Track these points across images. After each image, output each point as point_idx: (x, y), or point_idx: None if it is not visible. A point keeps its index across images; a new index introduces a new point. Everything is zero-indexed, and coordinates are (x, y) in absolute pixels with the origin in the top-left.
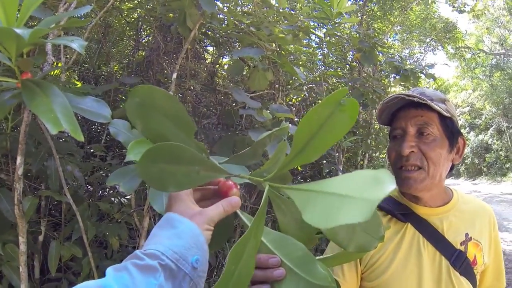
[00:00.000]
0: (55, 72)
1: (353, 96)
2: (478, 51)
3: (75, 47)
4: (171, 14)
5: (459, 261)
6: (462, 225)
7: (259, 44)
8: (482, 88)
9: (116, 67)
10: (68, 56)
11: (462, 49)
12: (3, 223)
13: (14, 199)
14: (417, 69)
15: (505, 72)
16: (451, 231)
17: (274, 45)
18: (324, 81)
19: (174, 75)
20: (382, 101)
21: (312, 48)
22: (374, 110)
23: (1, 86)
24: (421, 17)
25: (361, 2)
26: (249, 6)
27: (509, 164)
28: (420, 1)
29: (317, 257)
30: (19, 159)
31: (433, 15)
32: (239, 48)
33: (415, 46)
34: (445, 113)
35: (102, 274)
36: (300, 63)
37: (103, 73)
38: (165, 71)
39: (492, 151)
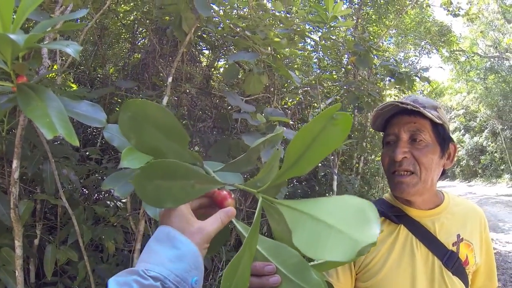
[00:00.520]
0: (51, 75)
1: (348, 99)
2: (473, 54)
3: (69, 52)
4: (167, 17)
5: (451, 261)
6: (453, 226)
7: (254, 48)
8: (477, 90)
9: (111, 70)
10: (64, 58)
11: (457, 52)
12: None
13: (10, 203)
14: (411, 72)
15: (499, 75)
16: (443, 232)
17: (269, 48)
18: (319, 84)
19: (170, 79)
20: (376, 108)
21: (308, 52)
22: (369, 113)
23: None
24: (416, 20)
25: (356, 6)
26: (245, 9)
27: (504, 165)
28: (415, 5)
29: (311, 263)
30: (15, 163)
31: (427, 19)
32: (235, 51)
33: (410, 49)
34: (437, 120)
35: (97, 278)
36: (296, 66)
37: (99, 75)
38: (161, 74)
39: (487, 153)
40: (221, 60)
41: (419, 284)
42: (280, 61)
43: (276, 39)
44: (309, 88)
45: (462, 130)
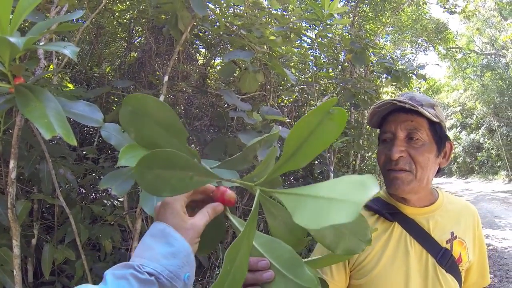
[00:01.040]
0: (47, 75)
1: (344, 97)
2: (469, 52)
3: (67, 53)
4: (163, 16)
5: (445, 258)
6: (447, 224)
7: (250, 47)
8: (473, 88)
9: (108, 69)
10: (60, 58)
11: (453, 50)
12: None
13: (7, 203)
14: (408, 69)
15: (495, 72)
16: (437, 230)
17: (265, 47)
18: (316, 82)
19: (166, 78)
20: (373, 105)
21: (304, 49)
22: (366, 111)
23: None
24: (412, 18)
25: (353, 3)
26: (241, 7)
27: (500, 162)
28: (412, 2)
29: (305, 260)
30: (12, 163)
31: (424, 16)
32: (231, 49)
33: (407, 46)
34: (434, 119)
35: (95, 277)
36: (292, 64)
37: (95, 74)
38: (158, 73)
39: (484, 150)
40: (217, 58)
41: (413, 281)
42: (276, 59)
43: (272, 37)
44: (305, 86)
45: (459, 127)
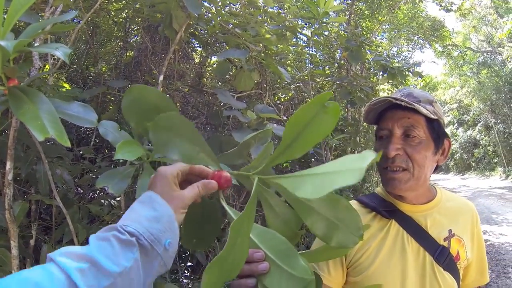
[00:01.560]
0: (43, 76)
1: (340, 94)
2: (466, 49)
3: (59, 55)
4: (158, 15)
5: (443, 256)
6: (445, 222)
7: (245, 45)
8: (470, 85)
9: (104, 68)
10: (55, 58)
11: (450, 47)
12: None
13: (5, 204)
14: (404, 67)
15: (492, 69)
16: (434, 227)
17: (261, 45)
18: (312, 80)
19: (161, 77)
20: (369, 102)
21: (300, 47)
22: (362, 108)
23: None
24: (408, 15)
25: (349, 1)
26: (236, 6)
27: (497, 159)
28: (408, 0)
29: (300, 252)
30: (8, 165)
31: (420, 14)
32: (227, 48)
33: (403, 44)
34: (432, 116)
35: None
36: (288, 62)
37: (91, 74)
38: (154, 72)
39: (480, 147)
40: (213, 56)
41: (410, 279)
42: (271, 58)
43: (267, 36)
44: (301, 84)
45: (456, 124)
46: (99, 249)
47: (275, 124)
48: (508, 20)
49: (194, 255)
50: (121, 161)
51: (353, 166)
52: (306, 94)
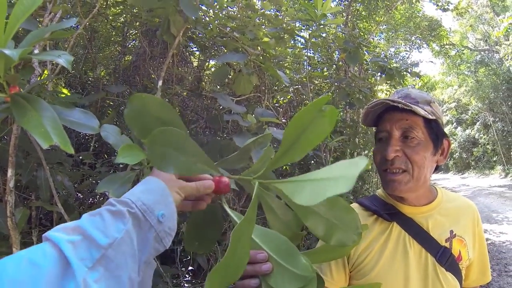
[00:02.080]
0: (42, 82)
1: (339, 96)
2: (463, 48)
3: (61, 62)
4: (156, 19)
5: (445, 257)
6: (446, 222)
7: (243, 49)
8: (468, 84)
9: (103, 73)
10: (54, 64)
11: (447, 46)
12: None
13: (7, 211)
14: (402, 68)
15: (489, 68)
16: (436, 228)
17: (259, 48)
18: (310, 82)
19: (160, 83)
20: (367, 105)
21: (298, 49)
22: (361, 109)
23: None
24: (405, 16)
25: (346, 2)
26: (234, 8)
27: (496, 157)
28: (405, 1)
29: (301, 252)
30: (10, 172)
31: (417, 14)
32: (225, 51)
33: (401, 44)
34: (430, 116)
35: None
36: (286, 65)
37: (90, 79)
38: (152, 76)
39: (479, 145)
40: (212, 60)
41: (413, 281)
42: (269, 61)
43: (266, 39)
44: (300, 86)
45: (454, 123)
46: (91, 222)
47: (274, 128)
48: (504, 18)
49: (195, 259)
50: (121, 166)
51: (346, 173)
52: (304, 96)
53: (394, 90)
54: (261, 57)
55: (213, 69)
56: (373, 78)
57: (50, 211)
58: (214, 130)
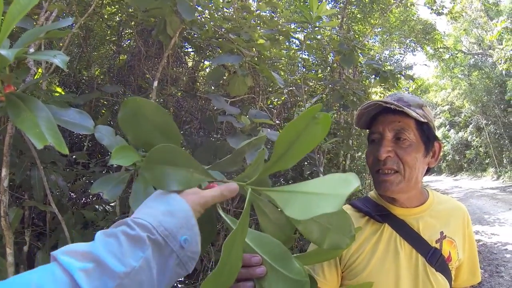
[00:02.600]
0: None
1: (333, 98)
2: (457, 52)
3: (57, 62)
4: (152, 19)
5: (435, 258)
6: (437, 224)
7: (238, 50)
8: (461, 87)
9: (97, 72)
10: (49, 62)
11: (441, 50)
12: None
13: (0, 211)
14: (396, 70)
15: (482, 71)
16: (426, 230)
17: (254, 49)
18: (304, 84)
19: (155, 83)
20: (360, 107)
21: (293, 51)
22: (354, 111)
23: None
24: (400, 19)
25: (342, 5)
26: (230, 9)
27: (488, 159)
28: (400, 4)
29: (294, 255)
30: (4, 171)
31: (412, 17)
32: (220, 52)
33: (395, 47)
34: (421, 119)
35: None
36: (281, 66)
37: (84, 78)
38: (147, 76)
39: (472, 148)
40: (207, 60)
41: (404, 281)
42: (264, 63)
43: (261, 41)
44: (294, 88)
45: (448, 126)
46: (106, 247)
47: (268, 129)
48: (498, 22)
49: None
50: (114, 166)
51: (337, 191)
52: (299, 98)
53: (388, 92)
54: (256, 59)
55: (208, 70)
56: (368, 81)
57: (42, 210)
58: (208, 131)
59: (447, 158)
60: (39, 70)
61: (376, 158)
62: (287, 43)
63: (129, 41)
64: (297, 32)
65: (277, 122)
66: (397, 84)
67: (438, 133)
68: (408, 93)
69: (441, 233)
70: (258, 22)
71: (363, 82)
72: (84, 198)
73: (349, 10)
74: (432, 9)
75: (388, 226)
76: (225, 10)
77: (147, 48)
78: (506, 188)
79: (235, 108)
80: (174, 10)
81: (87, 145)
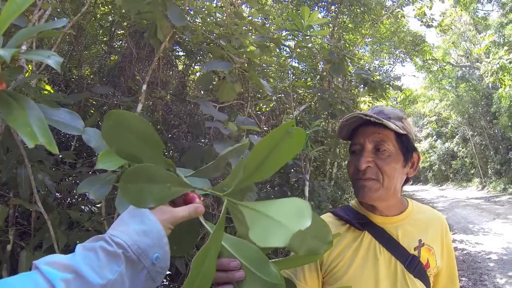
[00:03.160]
0: (27, 81)
1: (321, 106)
2: (445, 64)
3: (51, 63)
4: (144, 21)
5: (413, 264)
6: (416, 232)
7: (228, 57)
8: (449, 98)
9: (87, 71)
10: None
11: (430, 61)
12: None
13: None
14: (384, 81)
15: (470, 84)
16: (405, 237)
17: (244, 56)
18: (293, 91)
19: (144, 87)
20: (342, 119)
21: (284, 58)
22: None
23: None
24: (391, 30)
25: (333, 14)
26: (223, 15)
27: (474, 170)
28: (390, 15)
29: (273, 260)
30: None
31: (402, 29)
32: (211, 56)
33: (385, 57)
34: (400, 131)
35: None
36: (271, 73)
37: (74, 76)
38: (137, 78)
39: (458, 158)
40: (197, 65)
41: (382, 286)
42: (254, 70)
43: (251, 48)
44: (283, 95)
45: (434, 136)
46: (85, 260)
47: (255, 136)
48: (486, 35)
49: (173, 263)
50: None
51: (290, 224)
52: (287, 105)
53: (377, 102)
54: (246, 65)
55: (198, 74)
56: (356, 90)
57: (26, 209)
58: (196, 135)
59: (433, 168)
60: (29, 67)
61: (356, 168)
62: (278, 50)
63: (120, 42)
64: (288, 40)
65: (265, 128)
66: (385, 94)
67: (425, 143)
68: (390, 106)
69: (419, 241)
70: (250, 28)
71: (352, 91)
72: (69, 199)
73: (340, 19)
74: (422, 22)
75: (368, 234)
76: (217, 15)
77: (139, 50)
78: (491, 198)
79: (223, 114)
80: (165, 15)
81: (74, 145)
